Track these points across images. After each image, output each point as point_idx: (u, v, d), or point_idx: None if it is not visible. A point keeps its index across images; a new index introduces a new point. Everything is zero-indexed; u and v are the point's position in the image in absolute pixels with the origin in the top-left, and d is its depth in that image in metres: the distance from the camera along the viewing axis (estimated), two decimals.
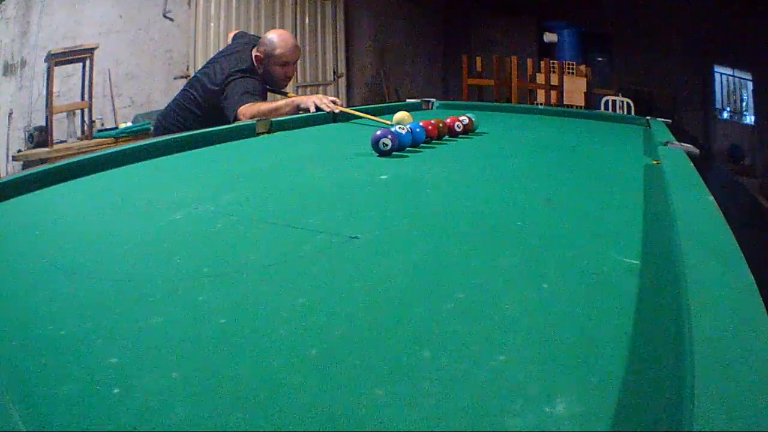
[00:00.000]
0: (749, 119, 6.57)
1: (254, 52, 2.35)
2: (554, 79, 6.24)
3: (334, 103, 2.19)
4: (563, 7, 7.12)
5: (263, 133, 1.89)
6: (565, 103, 6.17)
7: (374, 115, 2.13)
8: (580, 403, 0.46)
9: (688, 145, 1.61)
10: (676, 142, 1.66)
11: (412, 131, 1.57)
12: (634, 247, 0.81)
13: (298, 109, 2.19)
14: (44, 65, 3.91)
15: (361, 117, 2.16)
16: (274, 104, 2.19)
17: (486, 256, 0.81)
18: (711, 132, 6.66)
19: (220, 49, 2.61)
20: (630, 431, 0.43)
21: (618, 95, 6.06)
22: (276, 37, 2.35)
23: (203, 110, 2.29)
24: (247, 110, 2.11)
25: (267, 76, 2.35)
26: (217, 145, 1.69)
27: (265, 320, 0.62)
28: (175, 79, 4.79)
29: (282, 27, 5.84)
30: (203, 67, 2.43)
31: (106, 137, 4.16)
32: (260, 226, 0.97)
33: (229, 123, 2.05)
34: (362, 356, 0.54)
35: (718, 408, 0.39)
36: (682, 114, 6.33)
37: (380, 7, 7.01)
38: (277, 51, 2.32)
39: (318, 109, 2.16)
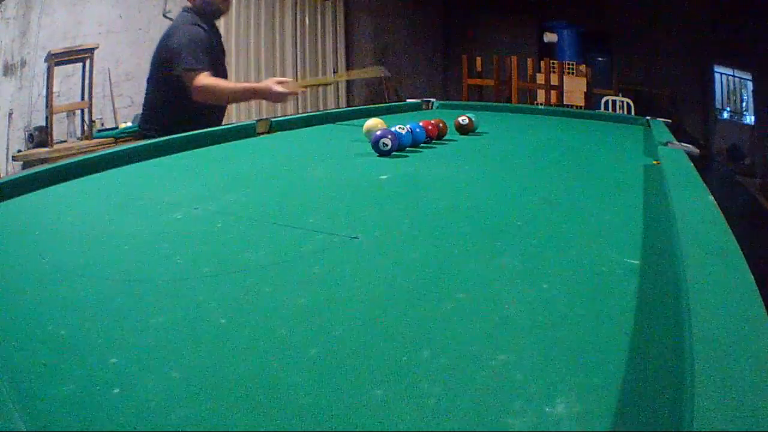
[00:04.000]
0: (749, 119, 6.57)
1: None
2: (554, 79, 6.23)
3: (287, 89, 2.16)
4: (563, 7, 7.12)
5: (263, 133, 1.89)
6: (565, 103, 6.16)
7: (375, 116, 2.12)
8: (580, 403, 0.46)
9: (688, 145, 1.61)
10: (676, 142, 1.66)
11: (412, 131, 1.57)
12: (634, 247, 0.81)
13: (257, 96, 2.21)
14: (44, 65, 3.91)
15: (321, 84, 2.16)
16: (232, 86, 2.18)
17: (486, 256, 0.81)
18: (711, 132, 6.65)
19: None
20: (630, 431, 0.43)
21: (618, 95, 6.06)
22: None
23: (166, 96, 2.14)
24: (206, 82, 2.02)
25: (206, 6, 2.20)
26: (217, 145, 1.69)
27: (265, 320, 0.62)
28: None
29: (282, 27, 5.84)
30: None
31: (106, 137, 4.16)
32: (260, 226, 0.97)
33: (184, 82, 1.99)
34: (362, 356, 0.54)
35: (718, 408, 0.39)
36: (682, 114, 6.33)
37: (380, 7, 7.00)
38: None
39: (279, 99, 2.16)
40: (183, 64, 2.03)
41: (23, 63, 3.85)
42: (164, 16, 4.58)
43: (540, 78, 6.28)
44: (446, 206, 1.09)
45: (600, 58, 6.88)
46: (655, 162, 1.43)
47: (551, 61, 6.33)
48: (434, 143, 1.70)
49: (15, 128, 3.88)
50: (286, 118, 2.08)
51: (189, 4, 2.22)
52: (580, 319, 0.61)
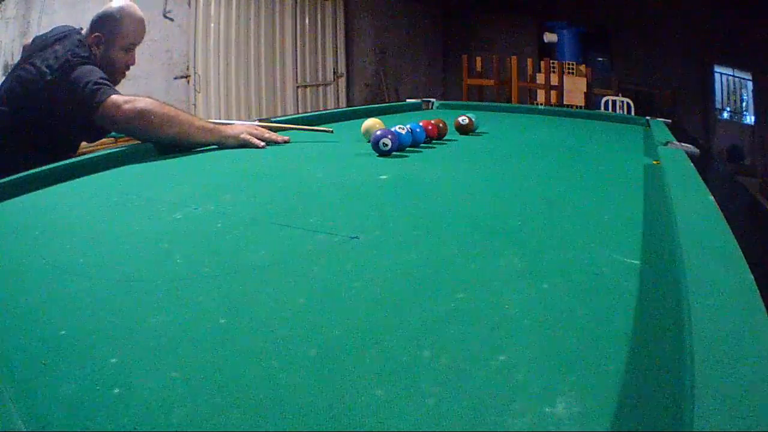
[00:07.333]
0: (749, 119, 6.57)
1: (91, 34, 1.68)
2: (554, 79, 6.24)
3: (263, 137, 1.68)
4: (563, 7, 7.13)
5: None
6: (565, 103, 6.16)
7: (375, 116, 2.12)
8: (580, 403, 0.46)
9: (688, 145, 1.61)
10: (676, 142, 1.66)
11: (412, 131, 1.57)
12: (634, 247, 0.81)
13: (219, 142, 1.62)
14: None
15: (301, 129, 1.87)
16: (189, 118, 1.61)
17: (486, 256, 0.81)
18: (711, 132, 6.66)
19: (33, 42, 1.83)
20: (630, 431, 0.43)
21: (618, 95, 6.06)
22: (122, 12, 1.69)
23: (28, 127, 1.59)
24: (149, 107, 1.51)
25: (105, 63, 1.68)
26: None
27: (265, 320, 0.62)
28: (175, 79, 4.80)
29: (282, 27, 5.84)
30: (14, 70, 1.75)
31: (106, 137, 4.15)
32: (260, 226, 0.97)
33: (88, 121, 1.51)
34: (362, 356, 0.54)
35: (718, 408, 0.39)
36: (682, 114, 6.33)
37: (380, 7, 7.01)
38: (123, 30, 1.69)
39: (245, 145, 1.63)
40: (96, 96, 1.51)
41: None
42: (164, 16, 4.58)
43: (540, 78, 6.29)
44: (446, 206, 1.09)
45: (600, 58, 6.90)
46: (655, 162, 1.43)
47: (551, 61, 6.33)
48: (434, 143, 1.70)
49: None
50: (286, 118, 2.07)
51: (91, 49, 1.67)
52: (580, 319, 0.61)
